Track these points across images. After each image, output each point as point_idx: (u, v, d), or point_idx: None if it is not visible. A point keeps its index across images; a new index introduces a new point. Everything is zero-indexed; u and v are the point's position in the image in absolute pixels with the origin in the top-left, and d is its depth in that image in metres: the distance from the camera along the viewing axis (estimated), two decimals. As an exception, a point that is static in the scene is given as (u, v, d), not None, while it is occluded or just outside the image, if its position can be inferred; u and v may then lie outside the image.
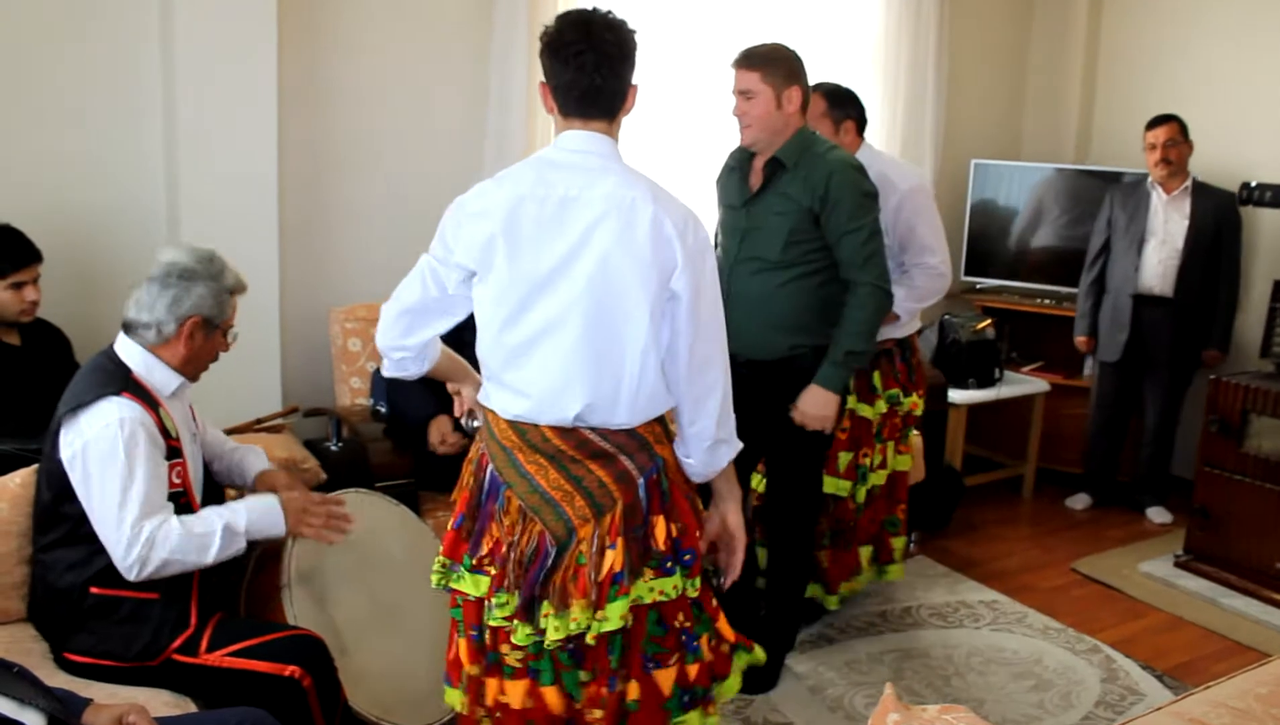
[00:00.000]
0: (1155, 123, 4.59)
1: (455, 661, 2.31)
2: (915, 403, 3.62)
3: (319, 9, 3.85)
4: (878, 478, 3.58)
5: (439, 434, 3.40)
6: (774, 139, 2.99)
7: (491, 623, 2.17)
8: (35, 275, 3.14)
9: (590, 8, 2.12)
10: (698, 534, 2.24)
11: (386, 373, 2.33)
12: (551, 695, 2.19)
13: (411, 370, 2.29)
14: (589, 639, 2.11)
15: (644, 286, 2.06)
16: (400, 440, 3.48)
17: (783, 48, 3.00)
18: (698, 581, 2.22)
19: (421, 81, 4.10)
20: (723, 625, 2.33)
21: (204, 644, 2.34)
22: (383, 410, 3.65)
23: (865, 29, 4.97)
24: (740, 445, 2.29)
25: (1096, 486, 5.01)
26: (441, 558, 2.26)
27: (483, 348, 2.16)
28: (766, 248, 3.02)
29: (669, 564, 2.16)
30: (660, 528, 2.15)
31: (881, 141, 5.07)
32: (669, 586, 2.16)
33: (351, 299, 4.00)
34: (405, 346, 2.24)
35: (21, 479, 2.53)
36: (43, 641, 2.41)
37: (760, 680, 3.31)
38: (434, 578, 2.26)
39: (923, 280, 3.44)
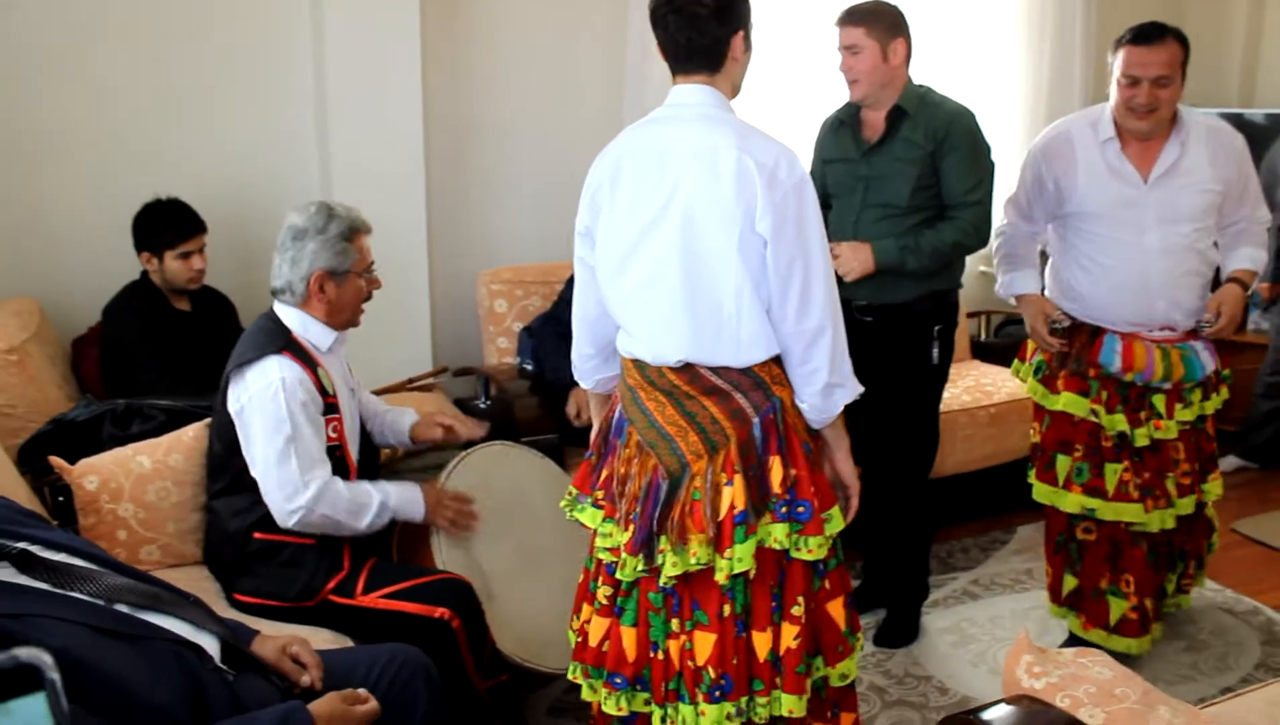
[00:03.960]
0: None
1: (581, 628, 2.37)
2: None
3: (460, -20, 3.96)
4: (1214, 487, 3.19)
5: (575, 406, 3.42)
6: (883, 92, 3.01)
7: (598, 556, 2.26)
8: (201, 245, 3.34)
9: None
10: (812, 489, 2.15)
11: (585, 385, 2.44)
12: (629, 636, 2.19)
13: (602, 373, 2.39)
14: (720, 579, 2.09)
15: (729, 229, 2.05)
16: (547, 397, 3.56)
17: (884, 3, 3.02)
18: (814, 541, 2.12)
19: (561, 47, 4.17)
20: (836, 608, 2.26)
21: (360, 586, 2.48)
22: (529, 368, 3.75)
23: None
24: (859, 389, 2.21)
25: (1253, 446, 4.77)
26: (571, 487, 2.36)
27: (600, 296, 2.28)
28: (895, 194, 3.02)
29: (784, 509, 2.12)
30: (776, 469, 2.12)
31: (1028, 95, 4.89)
32: (781, 534, 2.11)
33: (497, 261, 4.12)
34: (588, 352, 2.37)
35: (194, 433, 2.71)
36: (216, 582, 2.59)
37: (900, 633, 3.32)
38: (564, 505, 2.38)
39: (1265, 235, 3.12)
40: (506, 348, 3.98)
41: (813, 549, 2.12)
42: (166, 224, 3.28)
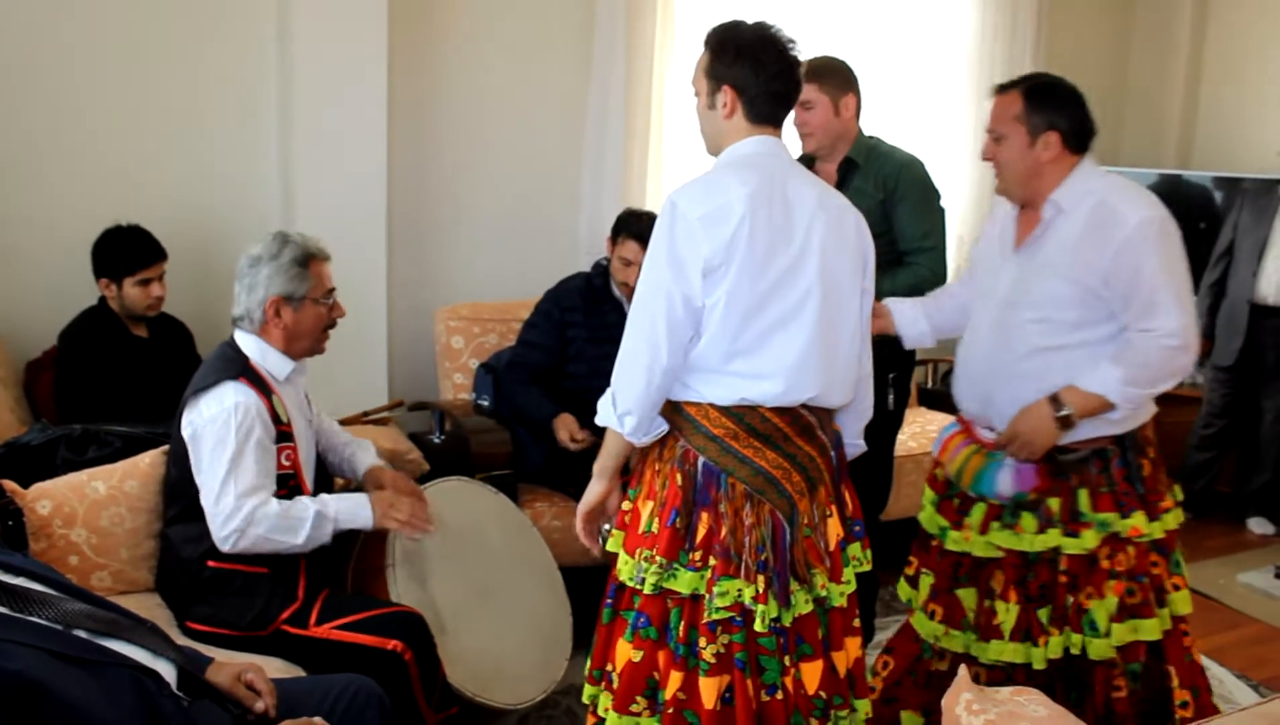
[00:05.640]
0: None
1: (601, 658, 2.32)
2: (1137, 526, 2.53)
3: (428, 20, 4.02)
4: (1100, 646, 2.50)
5: (566, 432, 3.42)
6: (835, 144, 3.16)
7: (714, 616, 2.13)
8: (161, 272, 3.34)
9: (763, 22, 2.25)
10: (860, 509, 2.40)
11: (635, 440, 2.20)
12: (751, 687, 2.17)
13: (658, 427, 2.22)
14: (842, 603, 2.25)
15: (854, 279, 2.27)
16: (529, 433, 3.60)
17: (836, 60, 3.16)
18: (869, 553, 2.36)
19: (524, 88, 4.24)
20: None
21: (313, 617, 2.49)
22: (485, 404, 3.78)
23: (958, 36, 4.95)
24: None
25: (1188, 495, 4.89)
26: (659, 558, 2.16)
27: (706, 342, 2.15)
28: None
29: (856, 529, 2.34)
30: (849, 494, 2.35)
31: (976, 146, 5.01)
32: (859, 551, 2.33)
33: (455, 298, 4.16)
34: (656, 401, 2.17)
35: (150, 459, 2.72)
36: (168, 609, 2.59)
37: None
38: (649, 582, 2.16)
39: (1153, 354, 2.41)
40: (463, 383, 4.01)
41: (869, 561, 2.37)
42: (126, 250, 3.28)
